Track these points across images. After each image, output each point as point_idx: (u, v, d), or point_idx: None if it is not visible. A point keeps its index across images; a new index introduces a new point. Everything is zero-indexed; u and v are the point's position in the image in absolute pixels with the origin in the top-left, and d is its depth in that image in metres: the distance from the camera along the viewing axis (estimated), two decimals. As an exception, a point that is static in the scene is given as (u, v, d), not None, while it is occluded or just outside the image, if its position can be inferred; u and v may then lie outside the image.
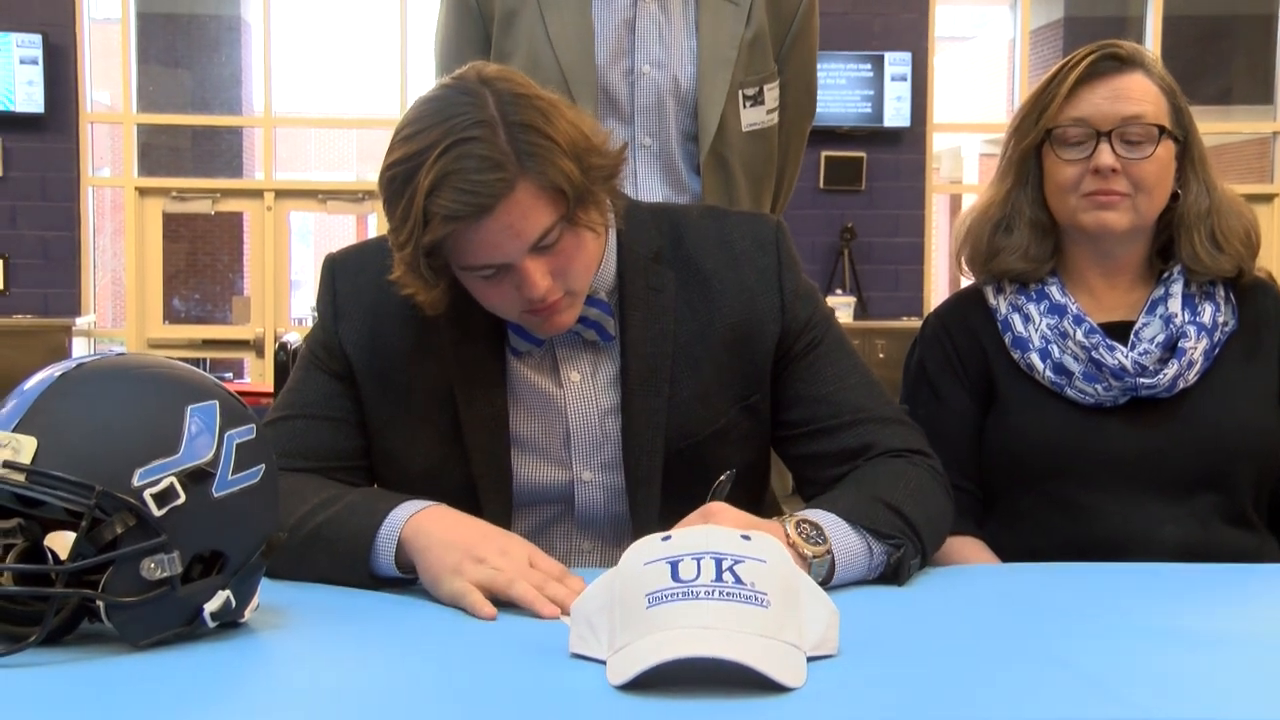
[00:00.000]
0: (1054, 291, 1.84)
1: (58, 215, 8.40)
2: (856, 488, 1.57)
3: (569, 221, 1.48)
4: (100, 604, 1.18)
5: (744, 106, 2.23)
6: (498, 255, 1.47)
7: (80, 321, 8.34)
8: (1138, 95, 1.77)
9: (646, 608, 1.13)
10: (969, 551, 1.78)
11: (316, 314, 1.74)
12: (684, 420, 1.63)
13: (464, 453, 1.63)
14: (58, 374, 1.22)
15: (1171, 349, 1.79)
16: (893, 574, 1.50)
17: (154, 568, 1.18)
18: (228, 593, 1.24)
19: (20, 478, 1.15)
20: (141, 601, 1.18)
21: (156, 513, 1.17)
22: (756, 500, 1.74)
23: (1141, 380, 1.77)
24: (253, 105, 10.19)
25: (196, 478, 1.20)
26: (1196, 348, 1.79)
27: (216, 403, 1.24)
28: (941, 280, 10.53)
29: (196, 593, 1.22)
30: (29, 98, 8.20)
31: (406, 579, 1.47)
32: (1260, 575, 1.66)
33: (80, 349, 8.35)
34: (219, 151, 10.95)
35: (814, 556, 1.43)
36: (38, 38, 8.18)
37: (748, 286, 1.66)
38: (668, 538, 1.20)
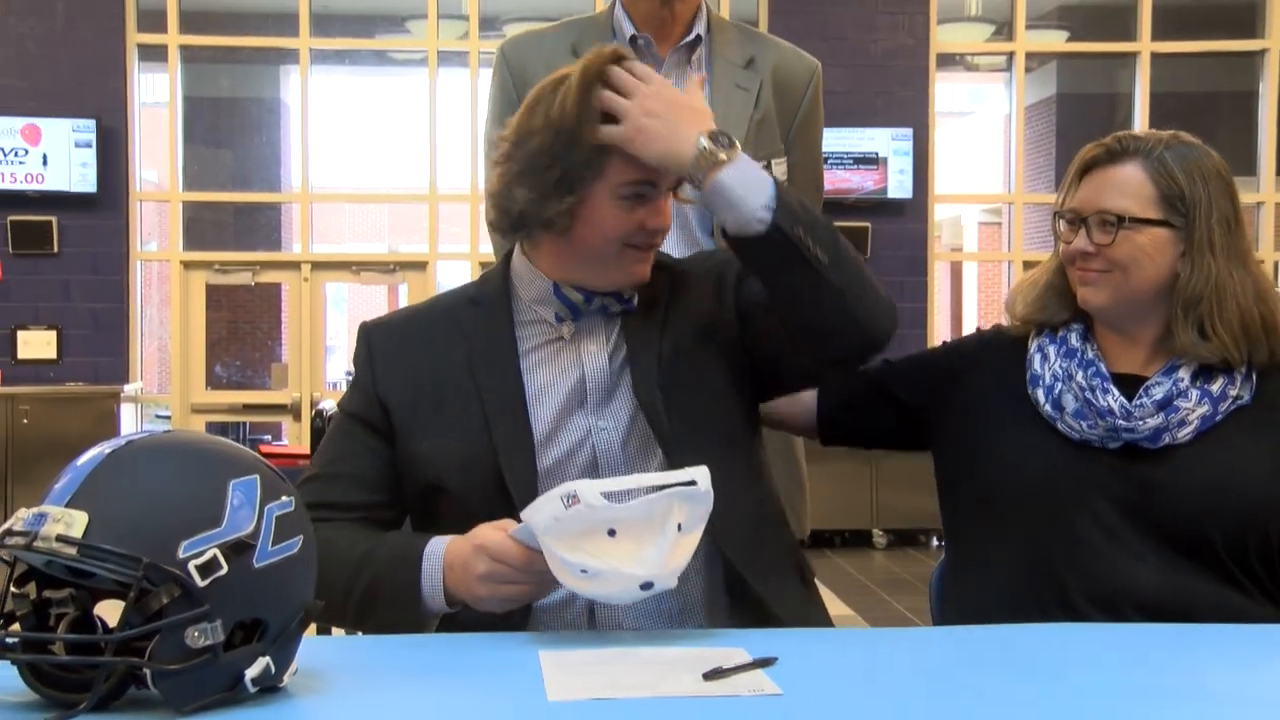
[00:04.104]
0: (1073, 337, 1.88)
1: (108, 288, 8.47)
2: None
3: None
4: (147, 671, 1.18)
5: None
6: (655, 174, 1.66)
7: (128, 388, 8.39)
8: (1116, 186, 1.82)
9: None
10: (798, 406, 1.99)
11: (353, 369, 1.84)
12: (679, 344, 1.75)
13: (491, 442, 1.69)
14: (108, 451, 1.22)
15: (1166, 405, 1.79)
16: (775, 247, 1.61)
17: (198, 636, 1.18)
18: (267, 659, 1.24)
19: (72, 551, 1.15)
20: (186, 668, 1.18)
21: (200, 583, 1.17)
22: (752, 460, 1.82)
23: (1121, 423, 1.78)
24: (291, 182, 10.28)
25: (238, 549, 1.20)
26: (1194, 410, 1.79)
27: (257, 477, 1.25)
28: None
29: (238, 659, 1.21)
30: (83, 178, 8.31)
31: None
32: (1229, 636, 1.62)
33: (128, 414, 8.39)
34: (259, 226, 11.03)
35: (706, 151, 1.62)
36: (92, 123, 8.30)
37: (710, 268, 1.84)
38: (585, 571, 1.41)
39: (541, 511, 1.44)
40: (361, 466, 1.74)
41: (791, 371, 1.82)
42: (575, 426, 1.72)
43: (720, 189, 1.63)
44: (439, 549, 1.59)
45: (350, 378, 1.89)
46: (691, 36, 2.31)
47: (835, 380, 1.97)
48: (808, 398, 2.03)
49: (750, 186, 1.63)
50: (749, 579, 1.69)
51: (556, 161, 1.65)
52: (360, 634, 1.70)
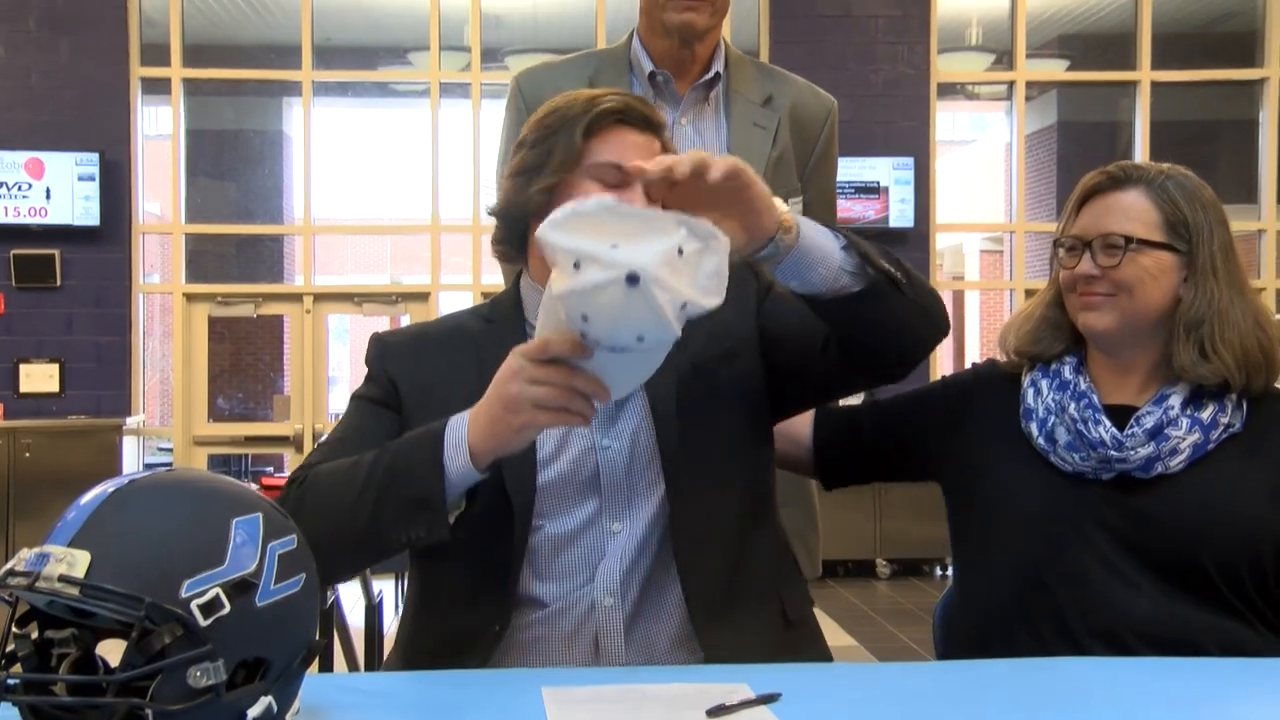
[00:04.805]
0: (1066, 370, 1.90)
1: (110, 321, 8.48)
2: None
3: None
4: (149, 711, 1.17)
5: None
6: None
7: (130, 421, 8.39)
8: (1120, 210, 1.85)
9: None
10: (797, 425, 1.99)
11: (367, 370, 1.85)
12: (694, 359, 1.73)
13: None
14: (110, 490, 1.23)
15: (1157, 434, 1.80)
16: (860, 259, 1.61)
17: (200, 676, 1.17)
18: (270, 698, 1.23)
19: (74, 591, 1.15)
20: (188, 709, 1.17)
21: (203, 623, 1.17)
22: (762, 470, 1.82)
23: (1113, 454, 1.79)
24: (293, 214, 10.30)
25: (241, 588, 1.20)
26: (1185, 438, 1.80)
27: (260, 515, 1.25)
28: (945, 372, 10.52)
29: (240, 699, 1.21)
30: (86, 211, 8.32)
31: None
32: (1231, 670, 1.62)
33: (130, 447, 8.38)
34: (261, 258, 11.05)
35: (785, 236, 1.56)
36: (95, 156, 8.32)
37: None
38: (586, 318, 1.38)
39: (558, 211, 1.40)
40: (373, 433, 1.72)
41: (816, 385, 1.80)
42: (578, 443, 1.72)
43: (805, 248, 1.58)
44: (462, 416, 1.58)
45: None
46: (710, 74, 2.32)
47: (869, 386, 1.87)
48: (806, 437, 2.03)
49: (818, 233, 1.60)
50: (707, 618, 1.68)
51: (541, 144, 1.68)
52: (367, 572, 1.69)
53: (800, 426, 2.03)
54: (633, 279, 1.34)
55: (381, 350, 1.83)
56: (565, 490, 1.70)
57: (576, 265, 1.37)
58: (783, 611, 1.79)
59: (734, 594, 1.71)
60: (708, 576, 1.70)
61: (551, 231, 1.38)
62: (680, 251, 1.38)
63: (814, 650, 1.81)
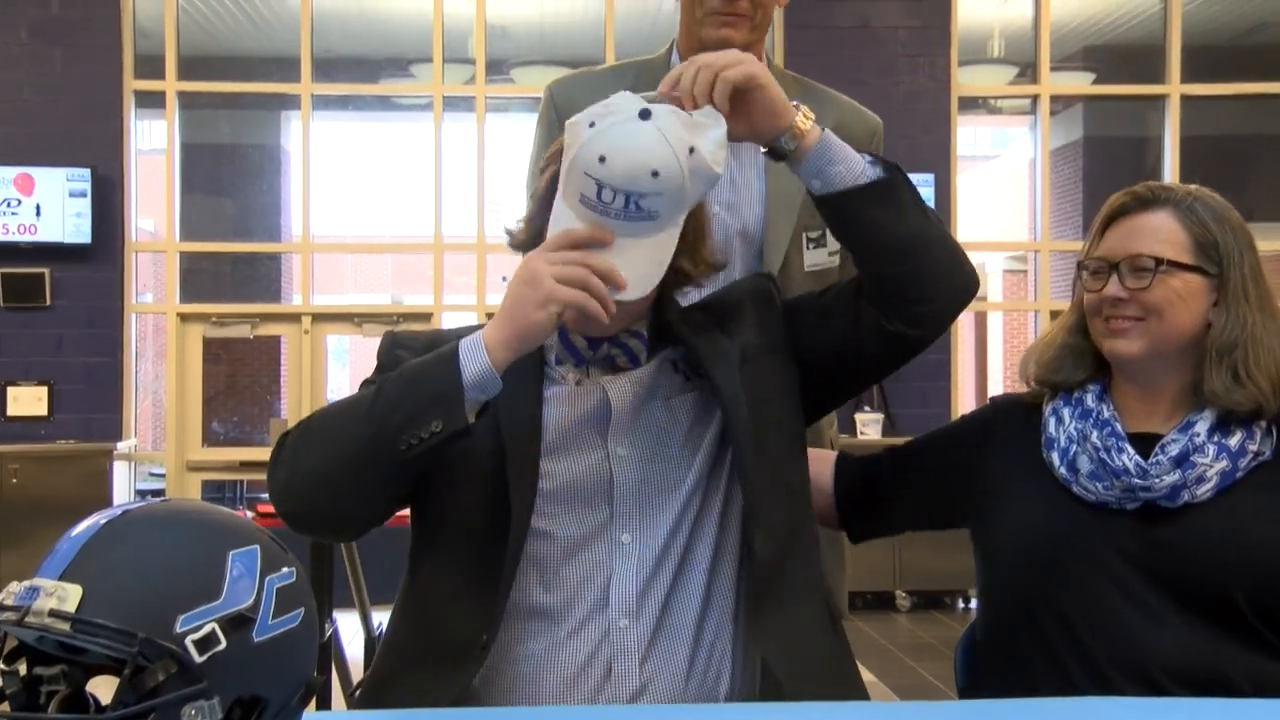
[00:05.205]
0: (1089, 398, 1.89)
1: (102, 342, 8.50)
2: None
3: None
4: (141, 751, 1.17)
5: (807, 248, 2.31)
6: None
7: (121, 446, 8.40)
8: (1149, 231, 1.85)
9: (579, 202, 1.63)
10: (818, 463, 1.99)
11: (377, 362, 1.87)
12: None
13: (500, 445, 1.70)
14: (103, 521, 1.23)
15: (1183, 462, 1.80)
16: (890, 192, 1.75)
17: (195, 714, 1.17)
18: (266, 738, 1.23)
19: (65, 626, 1.15)
20: (182, 748, 1.17)
21: (198, 659, 1.17)
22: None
23: (1137, 482, 1.79)
24: (291, 231, 10.34)
25: (237, 623, 1.20)
26: (1212, 466, 1.80)
27: (258, 547, 1.25)
28: (968, 396, 10.52)
29: (236, 738, 1.21)
30: (77, 229, 8.34)
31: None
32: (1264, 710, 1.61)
33: (121, 473, 8.40)
34: (258, 276, 11.09)
35: (803, 123, 1.74)
36: (87, 171, 8.34)
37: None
38: (603, 159, 1.60)
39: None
40: None
41: (847, 350, 1.83)
42: (589, 446, 1.74)
43: (829, 142, 1.75)
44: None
45: None
46: None
47: (924, 335, 1.84)
48: (828, 484, 2.05)
49: (840, 143, 1.77)
50: (769, 606, 1.71)
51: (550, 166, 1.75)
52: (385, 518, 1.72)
53: (822, 473, 2.04)
54: (644, 114, 1.62)
55: (394, 343, 1.85)
56: (572, 495, 1.72)
57: (592, 125, 1.63)
58: (829, 612, 1.83)
59: (786, 587, 1.74)
60: (768, 565, 1.72)
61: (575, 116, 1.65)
62: (687, 114, 1.66)
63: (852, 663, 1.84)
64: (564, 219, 1.64)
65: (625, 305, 1.66)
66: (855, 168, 1.76)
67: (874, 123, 2.45)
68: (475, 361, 1.60)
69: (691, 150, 1.62)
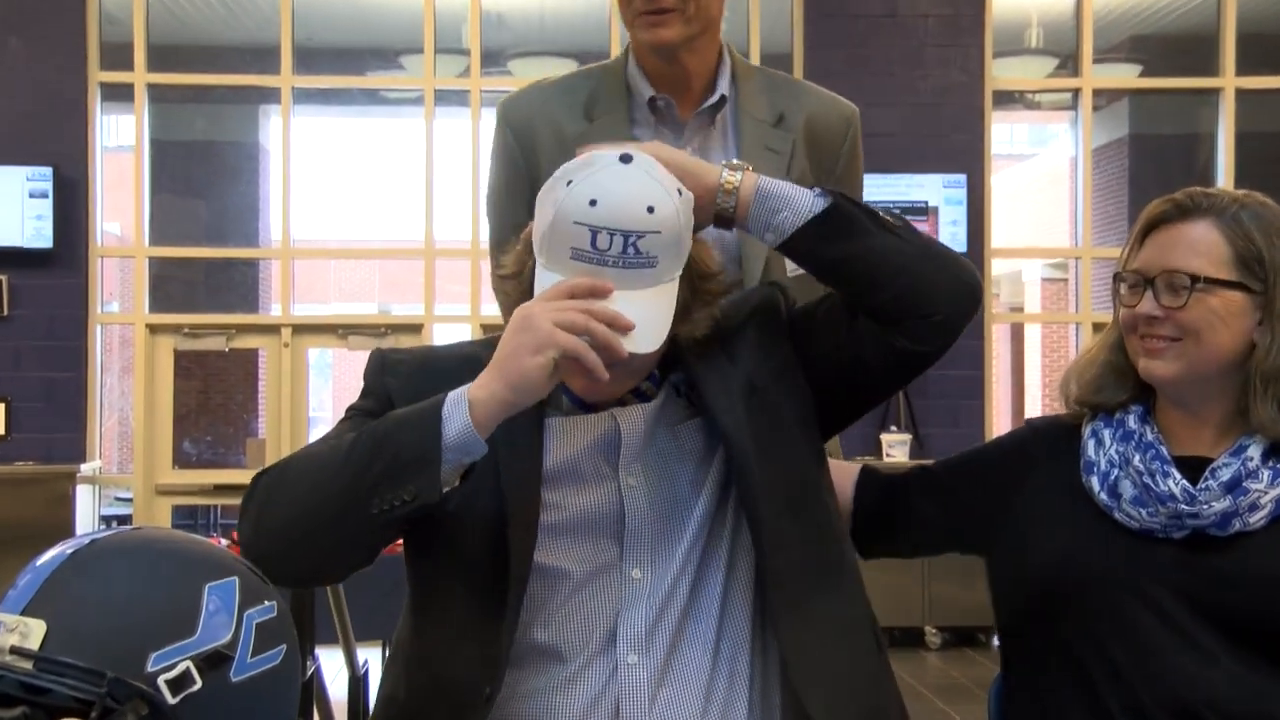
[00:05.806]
0: (1131, 420, 1.89)
1: (64, 355, 8.50)
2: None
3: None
4: (109, 800, 1.18)
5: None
6: None
7: (85, 468, 8.40)
8: (1187, 244, 1.83)
9: (569, 258, 1.63)
10: (840, 474, 1.99)
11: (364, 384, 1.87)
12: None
13: (497, 483, 1.69)
14: (69, 551, 1.24)
15: (1235, 487, 1.80)
16: (844, 220, 1.74)
17: (167, 760, 1.18)
18: (244, 786, 1.24)
19: (27, 665, 1.16)
20: (153, 797, 1.18)
21: (171, 700, 1.18)
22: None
23: (1185, 508, 1.79)
24: (270, 235, 10.35)
25: (214, 661, 1.21)
26: (1267, 493, 1.79)
27: (235, 579, 1.26)
28: (1004, 416, 10.50)
29: (211, 787, 1.22)
30: (38, 232, 8.34)
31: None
32: None
33: (84, 497, 8.39)
34: (234, 284, 11.10)
35: (730, 178, 1.77)
36: (48, 170, 8.35)
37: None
38: (594, 202, 1.61)
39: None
40: None
41: (856, 367, 1.83)
42: (598, 477, 1.74)
43: (766, 191, 1.77)
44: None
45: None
46: (715, 98, 2.33)
47: (932, 350, 1.85)
48: (848, 498, 2.05)
49: (783, 185, 1.80)
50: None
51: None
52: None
53: (843, 485, 2.04)
54: (626, 158, 1.66)
55: (383, 365, 1.84)
56: (580, 528, 1.72)
57: (570, 182, 1.64)
58: (878, 659, 1.85)
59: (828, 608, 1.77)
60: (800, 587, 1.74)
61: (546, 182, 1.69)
62: (680, 193, 1.68)
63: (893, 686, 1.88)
64: (550, 275, 1.65)
65: (627, 365, 1.65)
66: (801, 206, 1.76)
67: (848, 111, 2.44)
68: (457, 419, 1.58)
69: (680, 191, 1.67)
